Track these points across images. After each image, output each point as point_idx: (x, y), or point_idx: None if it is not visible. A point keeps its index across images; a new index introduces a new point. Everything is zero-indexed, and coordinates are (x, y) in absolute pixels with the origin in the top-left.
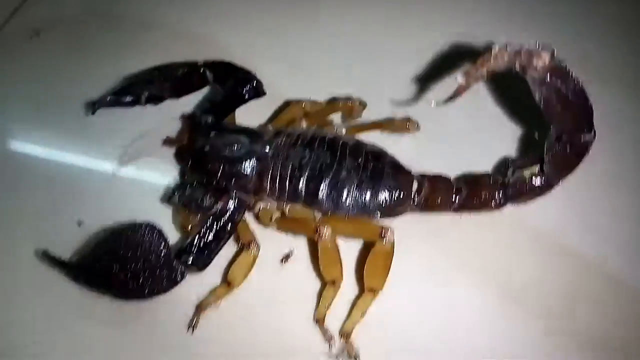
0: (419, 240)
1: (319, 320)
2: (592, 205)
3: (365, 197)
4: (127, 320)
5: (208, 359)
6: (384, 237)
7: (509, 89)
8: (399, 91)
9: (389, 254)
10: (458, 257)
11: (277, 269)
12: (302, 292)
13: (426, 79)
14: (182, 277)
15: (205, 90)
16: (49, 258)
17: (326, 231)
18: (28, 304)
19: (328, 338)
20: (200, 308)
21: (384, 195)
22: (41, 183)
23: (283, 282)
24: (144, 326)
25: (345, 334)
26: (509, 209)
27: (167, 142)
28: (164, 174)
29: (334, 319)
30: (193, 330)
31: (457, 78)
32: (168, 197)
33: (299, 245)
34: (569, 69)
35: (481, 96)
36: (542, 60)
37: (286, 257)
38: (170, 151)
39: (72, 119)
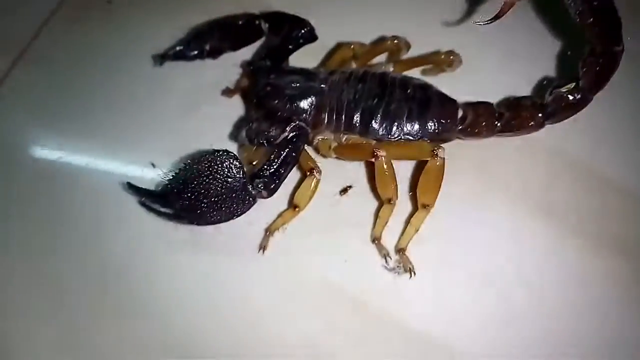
0: (465, 167)
1: (376, 239)
2: (619, 130)
3: (414, 125)
4: (204, 244)
5: (276, 277)
6: (436, 154)
7: (540, 13)
8: (440, 26)
9: (440, 170)
10: (500, 180)
11: (335, 201)
12: (358, 218)
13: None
14: (254, 201)
15: (257, 44)
16: (133, 188)
17: (382, 153)
18: (113, 235)
19: (384, 254)
20: (269, 230)
21: (431, 123)
22: (114, 128)
23: (341, 210)
24: (220, 249)
25: (400, 249)
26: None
27: (226, 92)
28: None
29: (389, 237)
30: (264, 250)
31: None
32: (236, 134)
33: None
34: None
35: (511, 23)
36: None
37: (344, 190)
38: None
39: (144, 73)
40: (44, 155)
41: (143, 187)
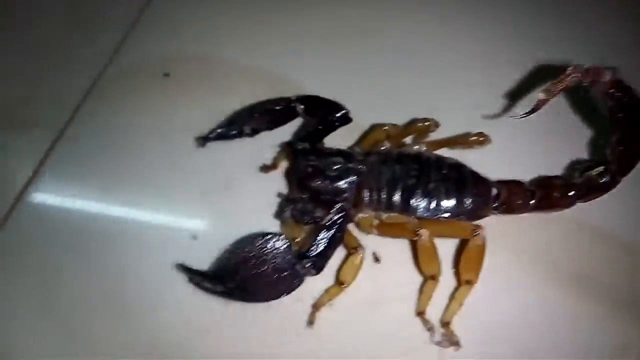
0: (498, 240)
1: (421, 313)
2: None
3: (452, 203)
4: (254, 320)
5: (326, 352)
6: (476, 234)
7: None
8: (469, 110)
9: (482, 249)
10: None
11: (371, 273)
12: (402, 290)
13: (502, 96)
14: (302, 280)
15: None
16: (185, 269)
17: (424, 232)
18: (168, 310)
19: (429, 328)
20: (316, 306)
21: (467, 202)
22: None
23: (383, 282)
24: (268, 325)
25: (445, 323)
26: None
27: (264, 168)
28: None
29: (433, 310)
30: (312, 325)
31: (538, 95)
32: (280, 213)
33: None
34: (628, 84)
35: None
36: (606, 77)
37: (375, 258)
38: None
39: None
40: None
41: (192, 266)
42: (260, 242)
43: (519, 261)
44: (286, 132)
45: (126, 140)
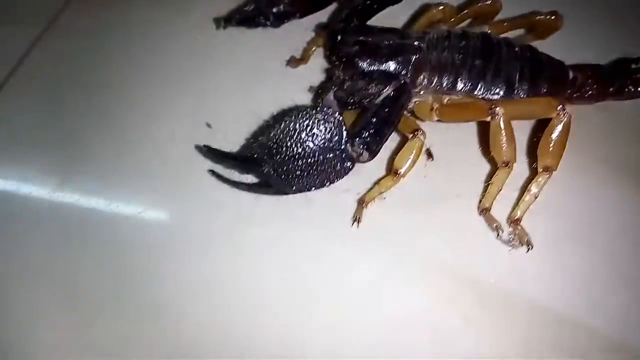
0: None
1: (486, 209)
2: None
3: (526, 86)
4: (287, 217)
5: (375, 254)
6: (563, 108)
7: None
8: None
9: (567, 128)
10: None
11: (425, 170)
12: (457, 189)
13: None
14: (353, 165)
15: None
16: (212, 152)
17: (500, 110)
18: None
19: (496, 226)
20: (364, 201)
21: (544, 84)
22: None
23: (436, 181)
24: (305, 221)
25: (515, 220)
26: None
27: (293, 61)
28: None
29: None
30: (358, 223)
31: None
32: (318, 99)
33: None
34: None
35: None
36: None
37: (429, 154)
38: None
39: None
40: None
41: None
42: (308, 114)
43: (593, 162)
44: (319, 19)
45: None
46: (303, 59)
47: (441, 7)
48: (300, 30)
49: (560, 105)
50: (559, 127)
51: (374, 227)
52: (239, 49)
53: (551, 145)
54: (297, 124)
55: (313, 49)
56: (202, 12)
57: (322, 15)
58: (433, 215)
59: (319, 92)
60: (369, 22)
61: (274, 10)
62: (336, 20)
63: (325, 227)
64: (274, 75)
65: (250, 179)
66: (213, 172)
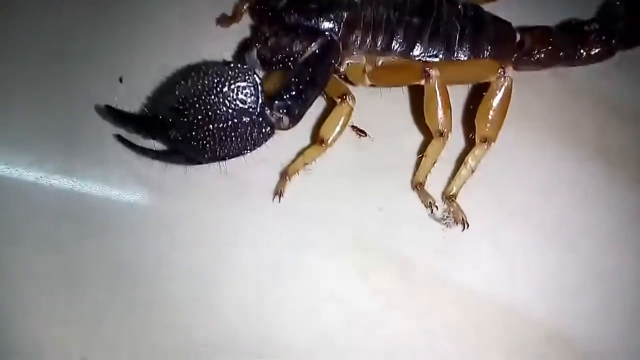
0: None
1: (419, 184)
2: None
3: (466, 48)
4: (203, 190)
5: (296, 229)
6: (503, 72)
7: None
8: None
9: (508, 93)
10: (549, 124)
11: (354, 140)
12: (392, 160)
13: None
14: (272, 131)
15: None
16: (113, 112)
17: (435, 73)
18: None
19: (430, 202)
20: (287, 173)
21: (487, 46)
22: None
23: (369, 152)
24: (224, 195)
25: (450, 196)
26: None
27: (222, 20)
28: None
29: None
30: (280, 197)
31: None
32: (241, 56)
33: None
34: None
35: None
36: None
37: (358, 130)
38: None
39: None
40: None
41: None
42: (216, 72)
43: (538, 133)
44: None
45: None
46: (235, 16)
47: None
48: None
49: (501, 68)
50: (499, 93)
51: (296, 202)
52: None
53: (490, 113)
54: (206, 82)
55: (245, 5)
56: None
57: None
58: (363, 189)
59: (241, 50)
60: None
61: None
62: None
63: (242, 201)
64: (203, 32)
65: (160, 145)
66: (119, 137)
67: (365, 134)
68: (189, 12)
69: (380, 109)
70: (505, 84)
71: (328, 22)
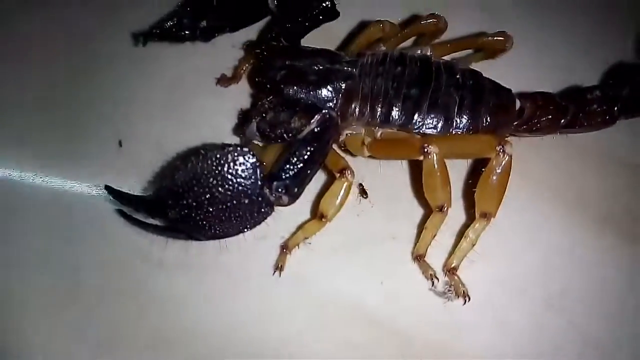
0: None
1: (420, 256)
2: None
3: (465, 118)
4: (203, 267)
5: (296, 305)
6: (502, 150)
7: None
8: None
9: (507, 170)
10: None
11: (361, 209)
12: (393, 230)
13: None
14: (272, 209)
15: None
16: (114, 193)
17: (434, 149)
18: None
19: (431, 274)
20: (287, 247)
21: (486, 116)
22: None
23: (371, 221)
24: (225, 271)
25: (451, 269)
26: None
27: (222, 80)
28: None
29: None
30: (280, 272)
31: None
32: (241, 129)
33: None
34: None
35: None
36: None
37: (362, 191)
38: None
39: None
40: None
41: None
42: (216, 155)
43: (541, 199)
44: (249, 35)
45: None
46: (234, 77)
47: (380, 25)
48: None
49: (500, 146)
50: (498, 170)
51: (296, 275)
52: (167, 62)
53: (489, 189)
54: (205, 165)
55: (244, 67)
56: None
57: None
58: (364, 259)
59: (242, 121)
60: (303, 40)
61: (201, 24)
62: (265, 39)
63: (242, 275)
64: (203, 94)
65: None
66: (121, 212)
67: (367, 196)
68: (189, 70)
69: (380, 174)
70: (504, 161)
71: (327, 93)
